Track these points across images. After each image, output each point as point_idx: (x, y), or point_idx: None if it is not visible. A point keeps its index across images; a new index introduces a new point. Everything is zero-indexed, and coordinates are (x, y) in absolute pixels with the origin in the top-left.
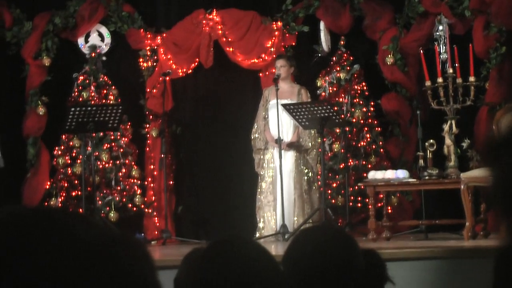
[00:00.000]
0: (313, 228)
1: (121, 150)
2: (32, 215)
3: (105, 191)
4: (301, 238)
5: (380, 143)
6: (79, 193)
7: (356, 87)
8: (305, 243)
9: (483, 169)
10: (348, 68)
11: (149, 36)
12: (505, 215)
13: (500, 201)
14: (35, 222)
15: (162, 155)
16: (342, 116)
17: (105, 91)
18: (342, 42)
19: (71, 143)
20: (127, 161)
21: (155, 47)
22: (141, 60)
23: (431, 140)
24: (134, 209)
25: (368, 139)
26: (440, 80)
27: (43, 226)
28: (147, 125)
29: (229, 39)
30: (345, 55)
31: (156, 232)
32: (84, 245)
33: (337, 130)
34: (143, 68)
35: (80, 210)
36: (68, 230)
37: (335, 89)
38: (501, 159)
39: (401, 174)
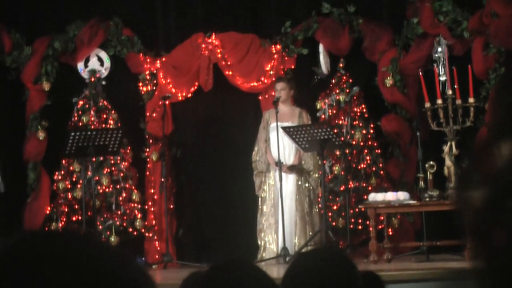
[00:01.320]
0: (312, 251)
1: (122, 174)
2: (47, 240)
3: (105, 215)
4: (301, 260)
5: (380, 164)
6: (80, 217)
7: (355, 109)
8: (305, 265)
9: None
10: (348, 90)
11: (148, 60)
12: (473, 239)
13: (467, 225)
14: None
15: (163, 179)
16: (342, 138)
17: (105, 115)
18: (341, 64)
19: (71, 168)
20: (127, 185)
21: (155, 71)
22: (140, 84)
23: (432, 162)
24: (135, 233)
25: (368, 161)
26: (439, 101)
27: (58, 253)
28: (147, 149)
29: (229, 62)
30: (345, 77)
31: (157, 256)
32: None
33: (337, 152)
34: (143, 92)
35: None
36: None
37: (334, 111)
38: (467, 186)
39: (402, 195)
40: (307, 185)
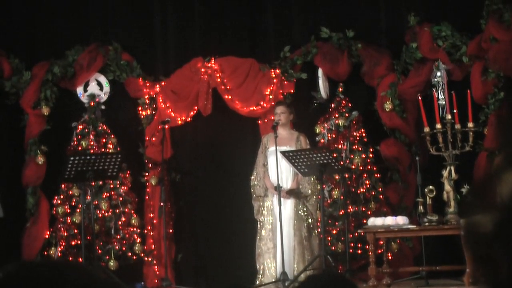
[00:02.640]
0: (313, 276)
1: (121, 198)
2: (42, 269)
3: (104, 240)
4: (305, 285)
5: (380, 189)
6: (79, 242)
7: (355, 133)
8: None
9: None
10: (347, 114)
11: (147, 84)
12: (479, 263)
13: (472, 250)
14: (46, 276)
15: (162, 203)
16: (341, 162)
17: (104, 140)
18: (340, 89)
19: (70, 192)
20: (126, 210)
21: (154, 95)
22: (140, 108)
23: (431, 186)
24: (134, 257)
25: (368, 186)
26: (438, 126)
27: (54, 281)
28: (146, 173)
29: (228, 87)
30: (344, 101)
31: (156, 281)
32: None
33: (337, 177)
34: (142, 116)
35: (80, 259)
36: (65, 282)
37: (334, 135)
38: (471, 211)
39: (401, 220)
40: (305, 210)
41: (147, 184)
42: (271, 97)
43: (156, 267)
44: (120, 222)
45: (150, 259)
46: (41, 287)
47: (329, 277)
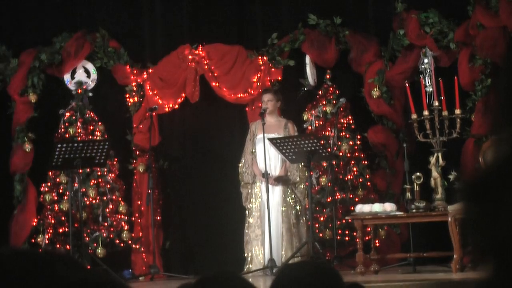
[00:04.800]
0: (299, 263)
1: (108, 186)
2: (17, 256)
3: (92, 227)
4: (286, 272)
5: (367, 176)
6: (66, 229)
7: (342, 120)
8: (291, 277)
9: (462, 205)
10: (334, 101)
11: (135, 71)
12: (485, 253)
13: (478, 238)
14: (19, 264)
15: (149, 190)
16: (329, 149)
17: (91, 127)
18: (328, 76)
19: (58, 180)
20: (114, 197)
21: (141, 83)
22: (127, 95)
23: (418, 173)
24: (122, 244)
25: (355, 172)
26: (426, 112)
27: (27, 268)
28: (134, 161)
29: (215, 74)
30: (331, 88)
31: (144, 268)
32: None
33: (324, 164)
34: (130, 103)
35: (68, 246)
36: (52, 272)
37: (321, 122)
38: (482, 196)
39: (389, 207)
40: (293, 196)
41: (135, 171)
42: (258, 84)
43: (144, 254)
44: (107, 210)
45: (138, 246)
46: (28, 278)
47: (310, 266)
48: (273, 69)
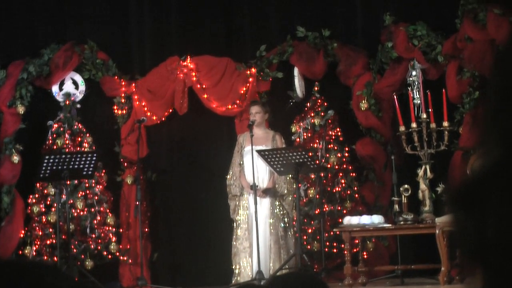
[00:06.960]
0: (287, 274)
1: (96, 197)
2: (5, 266)
3: (80, 239)
4: (274, 284)
5: (355, 188)
6: (54, 241)
7: (330, 132)
8: None
9: (450, 214)
10: (323, 113)
11: (123, 83)
12: (473, 262)
13: (468, 248)
14: (7, 274)
15: (137, 202)
16: (317, 161)
17: (79, 139)
18: (316, 88)
19: (45, 191)
20: (102, 209)
21: (130, 94)
22: (115, 107)
23: (406, 185)
24: (110, 256)
25: (343, 185)
26: (414, 125)
27: (15, 277)
28: (122, 172)
29: (204, 86)
30: (319, 100)
31: (132, 280)
32: None
33: (312, 176)
34: (118, 115)
35: (55, 258)
36: (40, 282)
37: (309, 134)
38: (472, 205)
39: (376, 219)
40: (281, 209)
41: (123, 183)
42: (247, 96)
43: (131, 266)
44: (95, 221)
45: (125, 258)
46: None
47: (297, 278)
48: (261, 81)
